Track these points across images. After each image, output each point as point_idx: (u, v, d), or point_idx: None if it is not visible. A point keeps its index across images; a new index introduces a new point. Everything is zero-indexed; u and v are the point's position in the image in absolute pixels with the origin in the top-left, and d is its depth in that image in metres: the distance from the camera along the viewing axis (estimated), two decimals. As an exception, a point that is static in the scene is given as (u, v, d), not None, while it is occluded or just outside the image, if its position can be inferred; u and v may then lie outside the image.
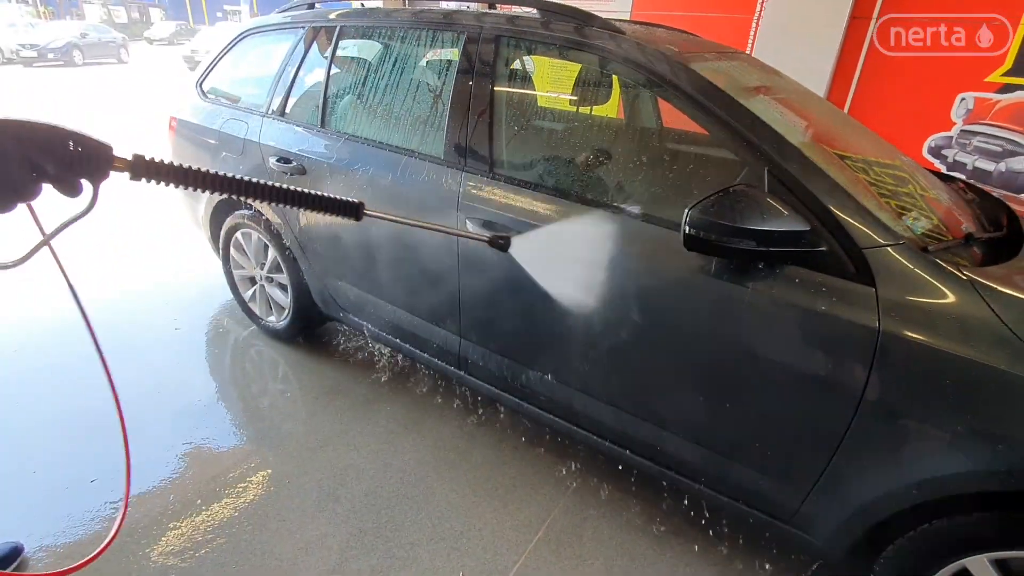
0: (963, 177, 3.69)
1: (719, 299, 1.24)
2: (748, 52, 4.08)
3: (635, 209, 1.37)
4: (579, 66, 1.71)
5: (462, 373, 1.83)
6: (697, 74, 1.33)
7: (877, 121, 3.78)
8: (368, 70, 1.95)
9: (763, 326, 1.20)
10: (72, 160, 0.60)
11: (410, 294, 1.85)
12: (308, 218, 2.02)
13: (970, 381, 1.00)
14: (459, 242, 1.60)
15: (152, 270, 3.14)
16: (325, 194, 0.91)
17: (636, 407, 1.48)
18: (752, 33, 4.06)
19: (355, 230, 1.89)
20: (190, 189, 0.74)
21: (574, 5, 1.61)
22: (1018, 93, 3.38)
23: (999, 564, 1.07)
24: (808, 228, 1.10)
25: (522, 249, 1.16)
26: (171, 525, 1.59)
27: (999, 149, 3.57)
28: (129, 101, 9.60)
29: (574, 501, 1.73)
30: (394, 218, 1.09)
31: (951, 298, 1.04)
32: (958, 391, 1.01)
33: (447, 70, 1.70)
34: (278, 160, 2.03)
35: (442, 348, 1.85)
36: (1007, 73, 3.41)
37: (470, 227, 1.56)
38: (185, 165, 0.73)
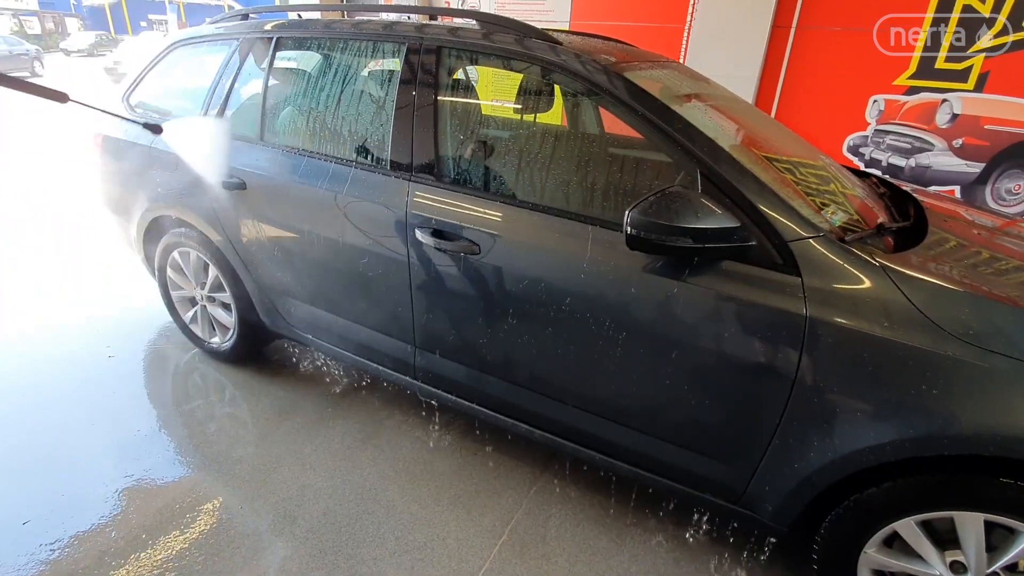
0: (879, 173, 4.01)
1: (660, 294, 1.30)
2: (681, 60, 4.28)
3: (579, 211, 1.41)
4: (520, 76, 1.75)
5: (417, 382, 1.83)
6: (632, 83, 1.39)
7: (801, 122, 4.04)
8: (308, 82, 1.92)
9: (702, 317, 1.27)
10: None
11: (361, 306, 1.83)
12: (251, 234, 1.96)
13: (887, 358, 1.09)
14: (410, 251, 1.60)
15: (79, 302, 2.94)
16: (30, 80, 1.19)
17: (588, 403, 1.52)
18: (684, 42, 4.26)
19: (302, 243, 1.85)
20: None
21: (518, 16, 1.66)
22: (922, 95, 3.70)
23: (924, 525, 1.17)
24: (738, 224, 1.18)
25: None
26: (115, 563, 1.50)
27: (908, 146, 3.89)
28: (46, 116, 8.97)
29: (536, 502, 1.76)
30: (98, 107, 1.34)
31: (866, 283, 1.14)
32: (878, 368, 1.10)
33: (389, 81, 1.70)
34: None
35: (396, 358, 1.84)
36: (912, 76, 3.72)
37: (419, 236, 1.56)
38: None
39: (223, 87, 2.04)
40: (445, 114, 1.62)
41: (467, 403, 1.75)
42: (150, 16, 31.56)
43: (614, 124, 2.19)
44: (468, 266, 1.51)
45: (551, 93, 2.14)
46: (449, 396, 1.77)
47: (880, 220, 1.45)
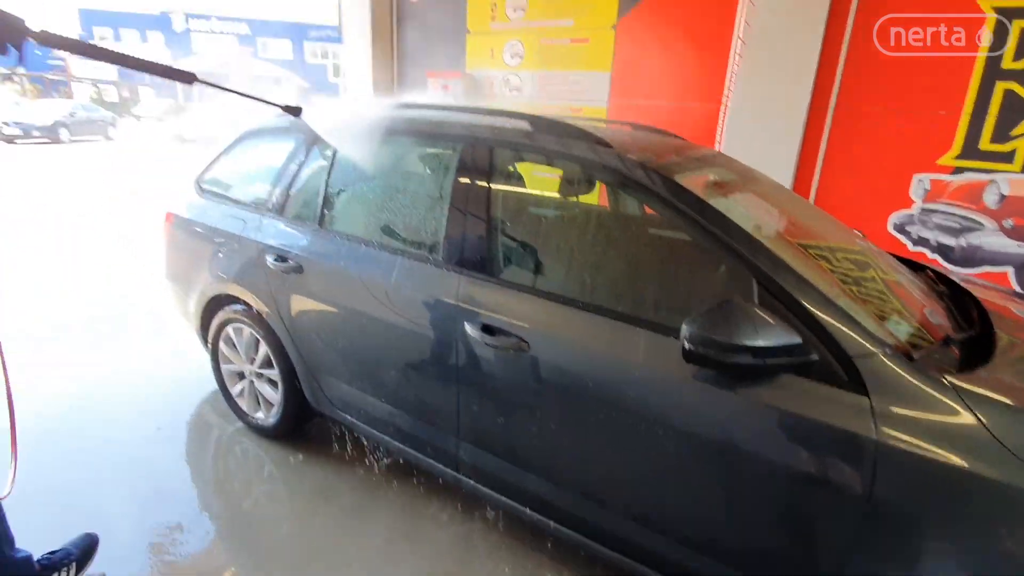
0: (929, 253, 3.89)
1: (715, 405, 1.26)
2: (717, 139, 4.37)
3: (632, 312, 1.41)
4: (566, 171, 1.80)
5: (460, 475, 1.79)
6: (687, 190, 1.42)
7: (842, 200, 4.02)
8: (366, 173, 2.03)
9: (759, 433, 1.22)
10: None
11: (406, 393, 1.84)
12: (304, 315, 2.03)
13: (959, 490, 1.02)
14: (459, 343, 1.61)
15: (133, 358, 3.07)
16: (159, 61, 1.34)
17: (640, 512, 1.45)
18: (720, 121, 4.36)
19: (352, 327, 1.90)
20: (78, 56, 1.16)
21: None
22: (968, 175, 3.65)
23: None
24: (800, 341, 1.15)
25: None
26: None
27: (957, 226, 3.81)
28: (116, 178, 9.70)
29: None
30: (224, 87, 1.54)
31: (938, 406, 1.08)
32: (949, 501, 1.03)
33: (444, 175, 1.78)
34: (275, 259, 2.06)
35: (438, 448, 1.82)
36: (957, 157, 3.69)
37: (468, 329, 1.58)
38: (79, 39, 1.17)
39: (288, 175, 2.17)
40: (497, 210, 1.68)
41: (511, 501, 1.70)
42: (214, 86, 34.40)
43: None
44: (517, 363, 1.52)
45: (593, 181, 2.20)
46: (492, 493, 1.73)
47: (946, 332, 1.39)
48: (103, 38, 33.99)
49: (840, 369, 1.17)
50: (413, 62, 6.09)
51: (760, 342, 1.13)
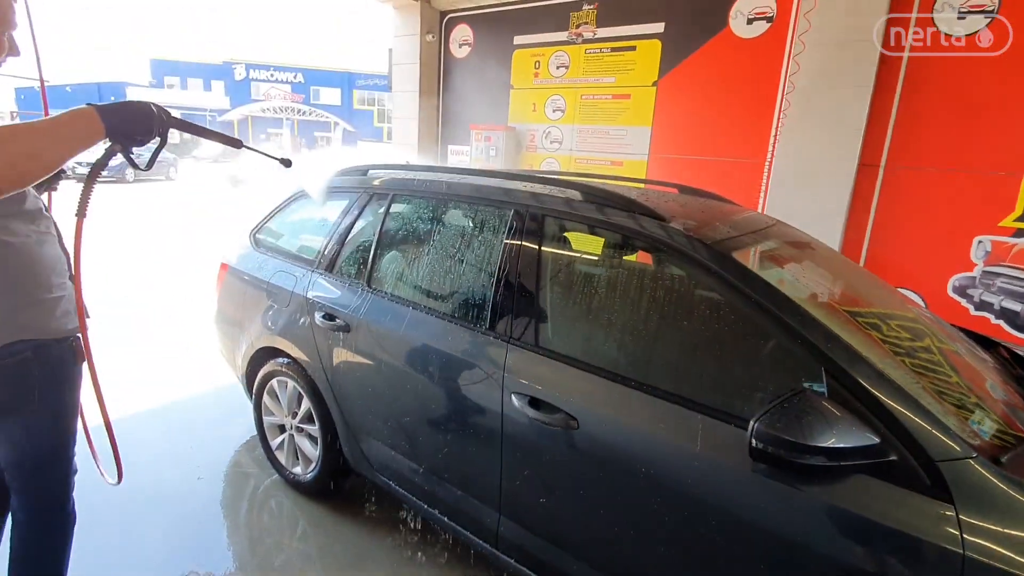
0: (991, 316, 3.67)
1: (781, 502, 1.18)
2: (761, 197, 4.31)
3: (693, 396, 1.35)
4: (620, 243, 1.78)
5: (499, 552, 1.72)
6: (750, 272, 1.38)
7: (895, 262, 3.87)
8: (417, 236, 2.07)
9: (829, 536, 1.13)
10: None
11: (446, 460, 1.80)
12: (349, 373, 2.04)
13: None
14: (504, 415, 1.58)
15: (178, 395, 3.14)
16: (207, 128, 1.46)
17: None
18: (764, 179, 4.32)
19: (393, 388, 1.89)
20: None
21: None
22: (1031, 238, 3.47)
23: None
24: (877, 441, 1.07)
25: None
26: None
27: (1022, 290, 3.61)
28: (178, 218, 10.25)
29: None
30: (265, 153, 1.64)
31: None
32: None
33: (493, 241, 1.79)
34: (323, 316, 2.09)
35: (477, 522, 1.75)
36: (1018, 219, 3.52)
37: (515, 402, 1.54)
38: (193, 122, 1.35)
39: (340, 233, 2.23)
40: (546, 280, 1.67)
41: (552, 585, 1.61)
42: (268, 130, 36.58)
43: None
44: (566, 441, 1.47)
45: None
46: (532, 574, 1.64)
47: (1037, 430, 1.28)
48: (171, 86, 36.78)
49: (922, 473, 1.08)
50: (457, 114, 6.32)
51: (834, 442, 1.06)
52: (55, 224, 1.35)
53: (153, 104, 1.17)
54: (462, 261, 1.88)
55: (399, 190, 2.14)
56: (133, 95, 34.45)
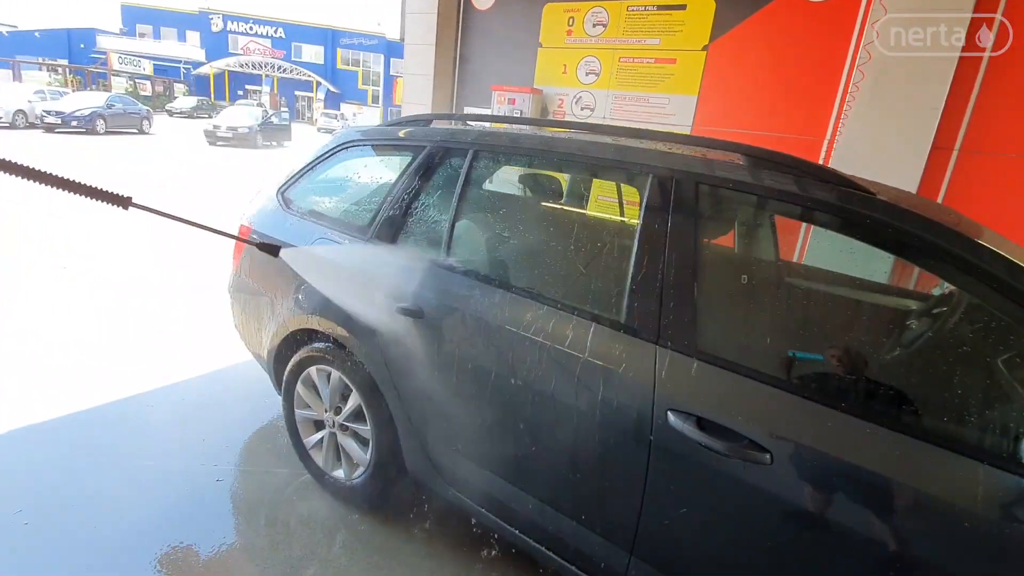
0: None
1: None
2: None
3: (966, 438, 1.01)
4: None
5: (623, 600, 1.39)
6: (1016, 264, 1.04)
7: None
8: (513, 204, 1.67)
9: None
10: None
11: (558, 484, 1.45)
12: (420, 369, 1.66)
13: None
14: (655, 435, 1.23)
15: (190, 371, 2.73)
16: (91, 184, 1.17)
17: None
18: (823, 156, 3.99)
19: (488, 393, 1.52)
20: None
21: (639, 121, 1.37)
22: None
23: None
24: None
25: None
26: None
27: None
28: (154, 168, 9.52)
29: None
30: (165, 212, 1.30)
31: None
32: None
33: (627, 214, 1.42)
34: (386, 297, 1.70)
35: (598, 563, 1.41)
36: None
37: (672, 421, 1.20)
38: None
39: (399, 199, 1.82)
40: (711, 267, 1.31)
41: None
42: (247, 86, 34.82)
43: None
44: (748, 476, 1.13)
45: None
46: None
47: None
48: (143, 35, 34.63)
49: None
50: (476, 73, 5.81)
51: None
52: None
53: None
54: (581, 238, 1.50)
55: (483, 146, 1.73)
56: (104, 43, 32.31)
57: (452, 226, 1.67)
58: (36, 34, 31.14)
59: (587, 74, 5.05)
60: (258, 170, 11.71)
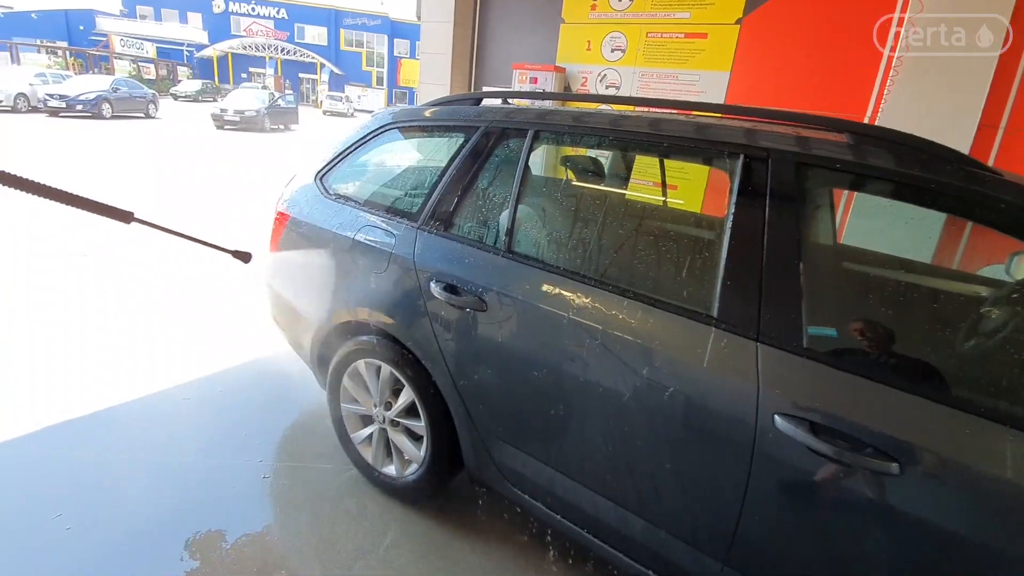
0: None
1: None
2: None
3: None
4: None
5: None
6: None
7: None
8: (577, 188, 1.57)
9: None
10: None
11: (637, 486, 1.37)
12: (483, 364, 1.57)
13: None
14: (759, 438, 1.14)
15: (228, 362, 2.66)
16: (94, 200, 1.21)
17: None
18: (864, 135, 3.83)
19: (557, 388, 1.44)
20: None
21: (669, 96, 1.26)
22: None
23: None
24: None
25: None
26: None
27: None
28: (163, 157, 9.40)
29: None
30: (167, 228, 1.33)
31: None
32: None
33: (714, 197, 1.31)
34: (443, 288, 1.60)
35: (681, 567, 1.34)
36: None
37: (781, 426, 1.10)
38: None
39: (454, 182, 1.72)
40: (818, 257, 1.20)
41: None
42: (250, 68, 34.39)
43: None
44: (870, 486, 1.04)
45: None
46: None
47: None
48: (144, 16, 34.17)
49: None
50: (495, 51, 5.63)
51: None
52: None
53: None
54: (660, 223, 1.40)
55: (545, 125, 1.62)
56: (104, 25, 31.87)
57: (514, 212, 1.57)
58: (33, 15, 30.68)
59: (612, 50, 4.87)
60: (271, 154, 11.57)
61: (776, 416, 1.11)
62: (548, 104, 1.70)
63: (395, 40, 36.67)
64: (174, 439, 2.19)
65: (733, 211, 1.24)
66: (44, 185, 1.14)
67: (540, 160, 1.64)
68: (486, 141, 1.70)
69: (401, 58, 36.13)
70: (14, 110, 14.57)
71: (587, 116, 1.57)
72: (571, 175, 1.60)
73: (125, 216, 1.28)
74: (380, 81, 36.39)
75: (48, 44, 29.35)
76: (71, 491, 1.89)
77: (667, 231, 1.40)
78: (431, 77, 5.88)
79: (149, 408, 2.36)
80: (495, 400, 1.59)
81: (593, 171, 1.61)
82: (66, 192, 1.17)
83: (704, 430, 1.21)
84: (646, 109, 1.90)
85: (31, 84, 15.30)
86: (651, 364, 1.27)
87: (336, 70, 35.36)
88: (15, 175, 1.09)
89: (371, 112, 1.93)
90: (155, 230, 1.38)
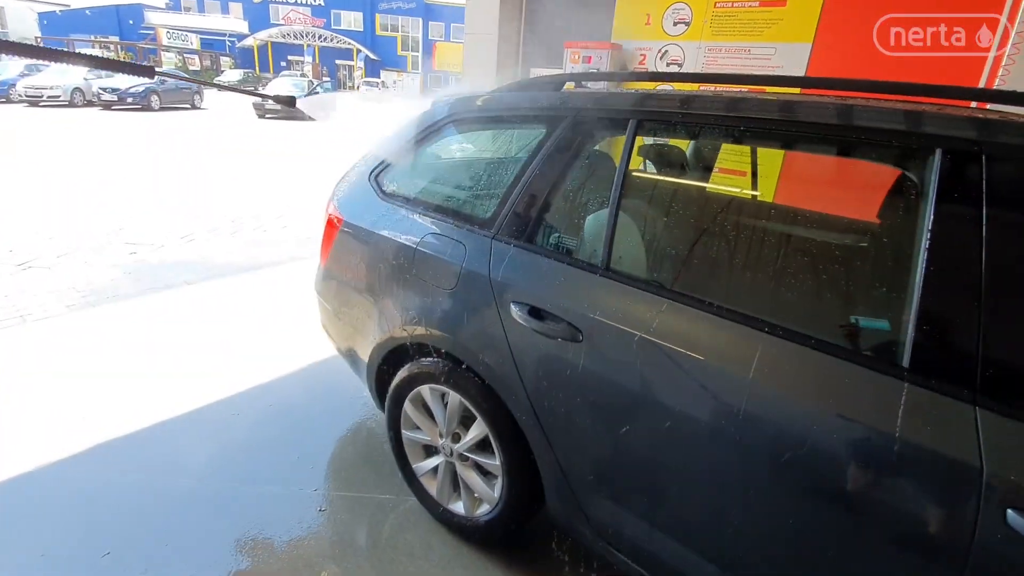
0: None
1: None
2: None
3: None
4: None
5: None
6: None
7: None
8: (690, 191, 1.28)
9: None
10: None
11: (783, 565, 1.10)
12: (578, 403, 1.32)
13: None
14: (980, 530, 0.84)
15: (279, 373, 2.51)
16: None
17: None
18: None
19: (676, 436, 1.17)
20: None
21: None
22: None
23: None
24: None
25: None
26: None
27: None
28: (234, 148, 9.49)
29: None
30: (188, 77, 1.96)
31: None
32: None
33: (900, 207, 1.01)
34: (527, 312, 1.35)
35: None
36: None
37: (1015, 521, 0.81)
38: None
39: (536, 184, 1.45)
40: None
41: None
42: (289, 57, 34.76)
43: None
44: None
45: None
46: None
47: None
48: (188, 8, 34.90)
49: None
50: (545, 29, 5.28)
51: None
52: None
53: None
54: (806, 233, 1.10)
55: (650, 113, 1.33)
56: (152, 19, 32.75)
57: (613, 222, 1.29)
58: (87, 12, 31.83)
59: (675, 24, 4.46)
60: (314, 142, 11.54)
61: (1010, 511, 0.82)
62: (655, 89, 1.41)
63: (429, 23, 36.27)
64: (222, 462, 2.03)
65: (931, 227, 0.93)
66: (64, 52, 1.26)
67: (662, 153, 1.35)
68: (575, 133, 1.42)
69: (436, 41, 35.76)
70: (71, 104, 15.11)
71: (702, 100, 1.27)
72: (686, 173, 1.31)
73: (148, 71, 1.44)
74: (416, 65, 36.16)
75: (101, 39, 30.43)
76: (113, 517, 1.76)
77: (822, 246, 1.10)
78: (476, 59, 5.59)
79: (198, 426, 2.23)
80: (588, 445, 1.33)
81: (708, 167, 1.32)
82: (92, 56, 1.35)
83: (893, 522, 0.92)
84: (742, 88, 1.57)
85: (85, 79, 15.80)
86: (813, 431, 0.99)
87: (371, 55, 35.33)
88: (36, 46, 1.19)
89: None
90: (178, 80, 1.54)
